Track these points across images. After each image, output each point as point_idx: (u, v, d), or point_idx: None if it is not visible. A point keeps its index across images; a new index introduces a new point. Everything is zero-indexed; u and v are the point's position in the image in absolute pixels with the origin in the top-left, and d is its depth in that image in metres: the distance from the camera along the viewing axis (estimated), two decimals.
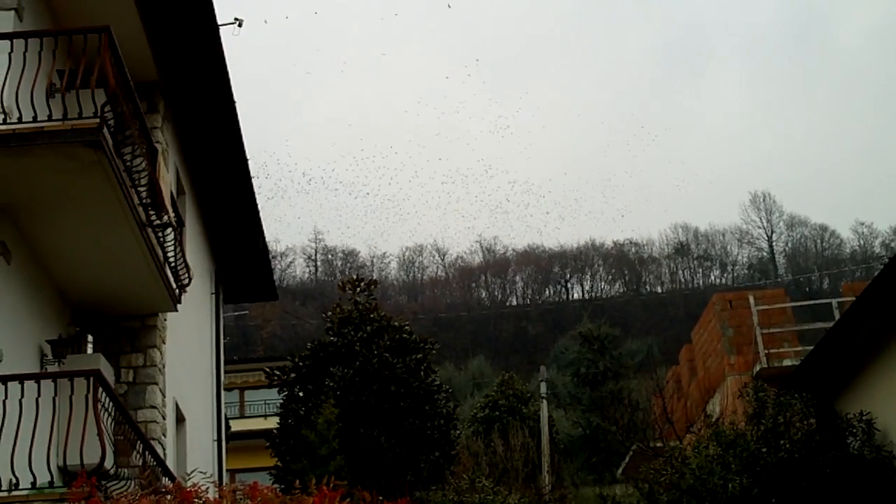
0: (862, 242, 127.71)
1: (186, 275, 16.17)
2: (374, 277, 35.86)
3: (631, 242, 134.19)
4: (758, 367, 28.85)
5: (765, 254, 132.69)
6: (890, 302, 18.61)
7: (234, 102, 18.27)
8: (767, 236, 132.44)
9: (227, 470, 24.37)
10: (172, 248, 15.22)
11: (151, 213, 14.17)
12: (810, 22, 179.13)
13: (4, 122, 11.91)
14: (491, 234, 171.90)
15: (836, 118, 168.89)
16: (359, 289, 29.29)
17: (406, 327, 28.51)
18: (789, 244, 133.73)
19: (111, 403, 11.99)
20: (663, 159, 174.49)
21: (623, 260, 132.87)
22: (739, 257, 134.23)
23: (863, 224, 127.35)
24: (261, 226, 23.08)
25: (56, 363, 13.67)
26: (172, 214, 15.61)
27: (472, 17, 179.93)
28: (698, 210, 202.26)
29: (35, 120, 11.86)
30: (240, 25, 17.61)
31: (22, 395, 11.11)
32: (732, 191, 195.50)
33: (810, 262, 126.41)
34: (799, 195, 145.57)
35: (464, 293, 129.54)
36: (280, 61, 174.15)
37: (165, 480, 13.56)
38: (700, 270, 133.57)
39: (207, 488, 9.77)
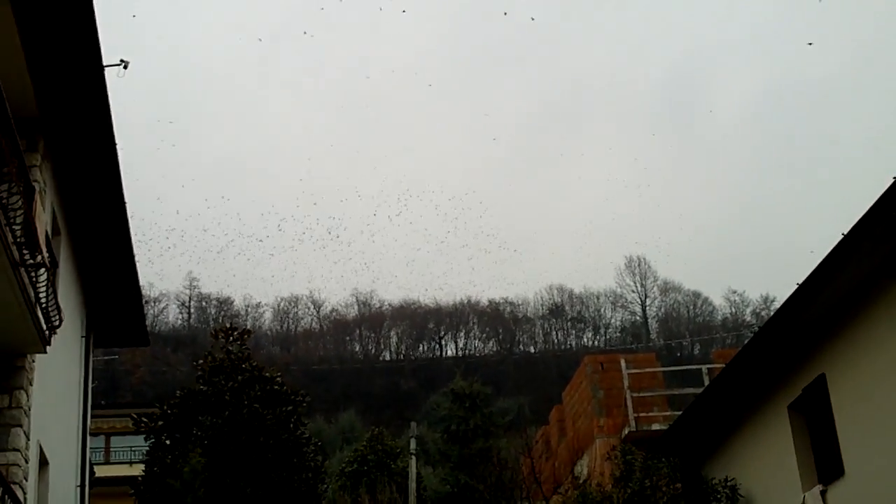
0: (733, 310, 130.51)
1: (58, 316, 15.92)
2: (248, 327, 35.67)
3: (506, 302, 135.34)
4: (627, 430, 29.21)
5: (638, 318, 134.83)
6: (757, 370, 19.05)
7: (115, 145, 18.05)
8: (641, 301, 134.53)
9: None
10: (45, 288, 14.97)
11: (25, 252, 13.96)
12: (687, 91, 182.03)
13: None
14: (367, 287, 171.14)
15: (710, 187, 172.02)
16: (232, 338, 29.18)
17: (278, 378, 28.47)
18: (662, 309, 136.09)
19: None
20: (540, 221, 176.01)
21: (498, 319, 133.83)
22: (613, 320, 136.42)
23: (735, 292, 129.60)
24: (135, 270, 22.80)
25: None
26: (47, 255, 15.39)
27: (345, 73, 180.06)
28: (574, 272, 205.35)
29: None
30: (125, 67, 17.46)
31: None
32: (608, 255, 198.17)
33: (682, 328, 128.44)
34: (673, 261, 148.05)
35: (337, 346, 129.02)
36: (160, 104, 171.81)
37: None
38: (573, 332, 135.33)
39: None
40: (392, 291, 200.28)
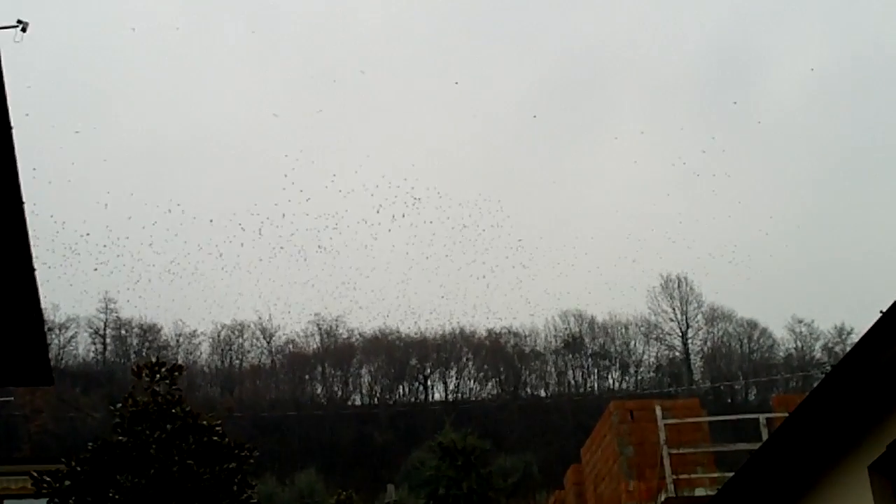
0: (799, 345, 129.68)
1: None
2: (180, 362, 35.67)
3: (509, 332, 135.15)
4: (663, 497, 29.15)
5: (678, 353, 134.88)
6: (830, 421, 18.92)
7: (10, 126, 17.92)
8: (681, 332, 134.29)
9: None
10: None
11: None
12: (736, 72, 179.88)
13: None
14: (332, 313, 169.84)
15: (767, 187, 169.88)
16: (159, 375, 29.15)
17: (217, 428, 28.45)
18: (708, 343, 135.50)
19: None
20: (552, 231, 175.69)
21: (499, 353, 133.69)
22: (645, 357, 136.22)
23: (801, 322, 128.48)
24: (36, 289, 22.64)
25: None
26: None
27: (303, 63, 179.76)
28: (596, 295, 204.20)
29: None
30: (24, 30, 17.41)
31: None
32: (639, 273, 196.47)
33: (734, 367, 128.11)
34: (722, 282, 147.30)
35: (294, 387, 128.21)
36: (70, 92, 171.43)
37: None
38: (595, 371, 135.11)
39: None
40: (369, 319, 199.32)
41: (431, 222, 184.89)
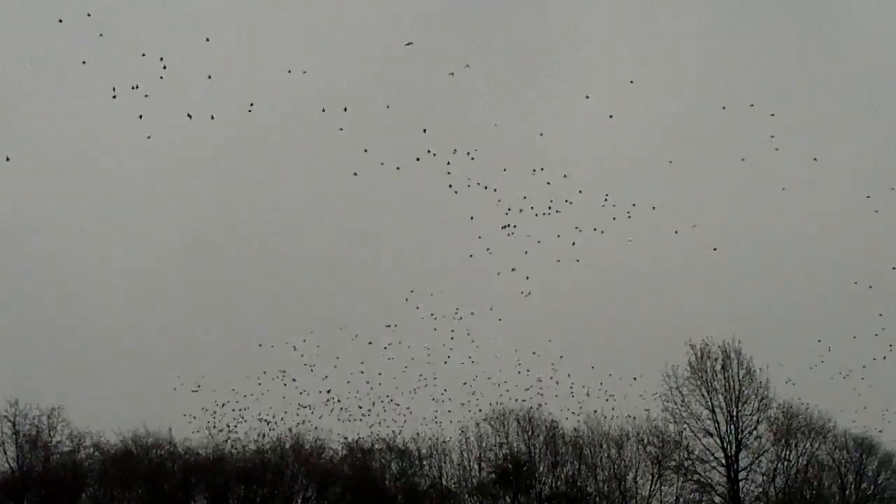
0: None
1: None
2: None
3: (388, 447, 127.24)
4: None
5: (718, 500, 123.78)
6: None
7: None
8: (727, 455, 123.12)
9: None
10: None
11: None
12: None
13: None
14: None
15: None
16: None
17: None
18: (779, 477, 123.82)
19: None
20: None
21: (362, 488, 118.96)
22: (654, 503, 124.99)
23: None
24: None
25: None
26: None
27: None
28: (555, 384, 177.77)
29: None
30: None
31: None
32: (639, 336, 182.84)
33: None
34: (803, 369, 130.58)
35: None
36: None
37: None
38: None
39: None
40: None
41: None
